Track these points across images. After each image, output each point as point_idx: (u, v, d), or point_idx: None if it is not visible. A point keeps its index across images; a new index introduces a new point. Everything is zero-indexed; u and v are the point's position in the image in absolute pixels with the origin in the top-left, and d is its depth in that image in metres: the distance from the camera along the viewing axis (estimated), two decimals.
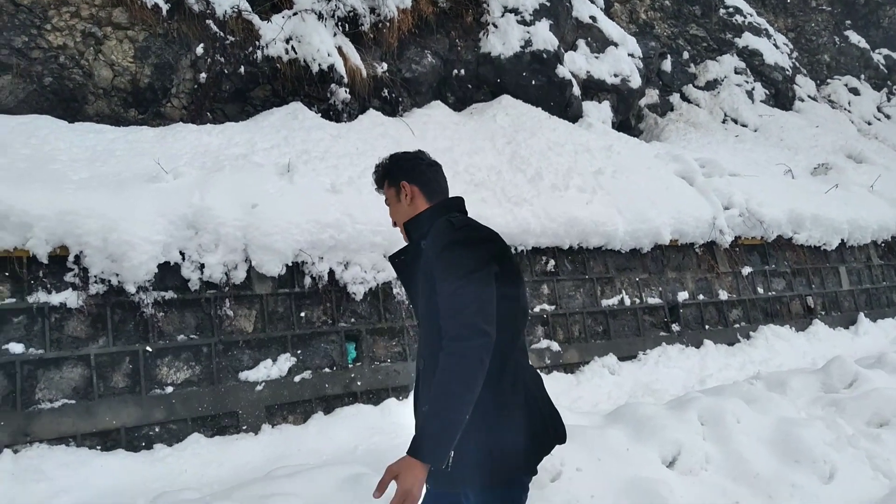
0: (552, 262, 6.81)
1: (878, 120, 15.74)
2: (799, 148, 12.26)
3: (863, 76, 17.19)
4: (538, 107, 8.75)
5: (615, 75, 10.16)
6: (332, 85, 7.06)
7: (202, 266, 4.91)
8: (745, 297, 8.34)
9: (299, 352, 5.25)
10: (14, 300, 4.29)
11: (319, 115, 6.91)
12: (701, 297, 7.93)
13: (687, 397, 4.74)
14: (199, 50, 6.45)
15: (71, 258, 4.47)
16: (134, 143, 5.52)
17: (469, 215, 2.21)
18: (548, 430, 2.06)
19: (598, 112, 9.77)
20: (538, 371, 2.22)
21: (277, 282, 5.27)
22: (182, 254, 4.86)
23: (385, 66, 7.80)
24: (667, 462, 3.88)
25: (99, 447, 4.32)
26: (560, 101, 9.12)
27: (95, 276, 4.52)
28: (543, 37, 8.93)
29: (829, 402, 4.98)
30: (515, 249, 6.52)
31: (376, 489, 1.76)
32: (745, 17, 14.58)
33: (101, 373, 4.47)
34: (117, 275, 4.55)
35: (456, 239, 1.98)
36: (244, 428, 4.85)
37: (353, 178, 5.91)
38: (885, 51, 18.36)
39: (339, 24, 7.43)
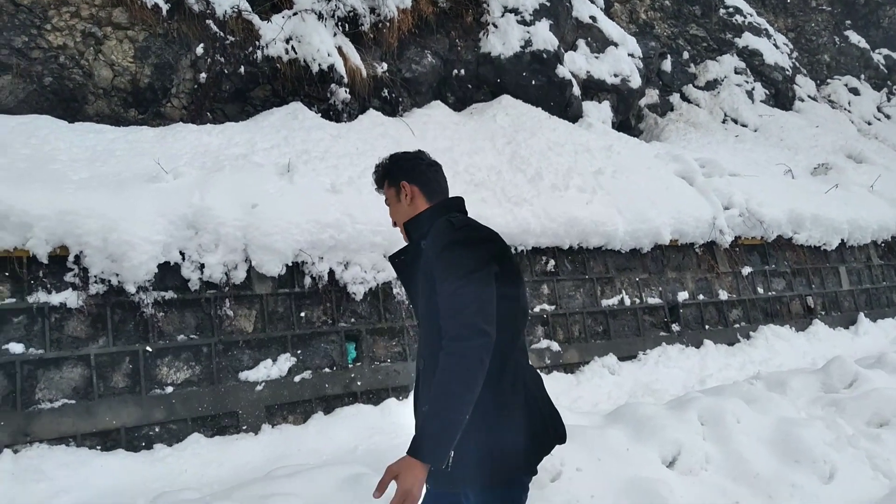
0: (552, 262, 6.81)
1: (878, 120, 15.74)
2: (799, 148, 12.26)
3: (863, 76, 17.19)
4: (538, 107, 8.75)
5: (615, 75, 10.16)
6: (332, 85, 7.06)
7: (202, 266, 4.91)
8: (745, 297, 8.34)
9: (299, 352, 5.25)
10: (14, 300, 4.29)
11: (319, 115, 6.91)
12: (701, 297, 7.94)
13: (687, 397, 4.74)
14: (199, 50, 6.45)
15: (71, 258, 4.47)
16: (134, 143, 5.52)
17: (469, 215, 2.21)
18: (548, 429, 2.06)
19: (598, 112, 9.77)
20: (538, 371, 2.22)
21: (277, 282, 5.27)
22: (182, 254, 4.86)
23: (385, 66, 7.80)
24: (667, 462, 3.88)
25: (99, 447, 4.32)
26: (560, 101, 9.12)
27: (95, 276, 4.52)
28: (543, 37, 8.93)
29: (829, 402, 4.98)
30: (515, 249, 6.52)
31: (376, 489, 1.76)
32: (745, 17, 14.58)
33: (101, 373, 4.47)
34: (117, 275, 4.55)
35: (456, 239, 1.98)
36: (244, 428, 4.85)
37: (353, 178, 5.91)
38: (885, 51, 18.36)
39: (339, 24, 7.43)
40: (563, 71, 9.10)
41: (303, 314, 5.34)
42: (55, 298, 4.39)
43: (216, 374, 4.87)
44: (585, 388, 6.25)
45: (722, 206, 8.34)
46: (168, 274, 4.82)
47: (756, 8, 15.63)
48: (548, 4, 9.35)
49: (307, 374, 5.20)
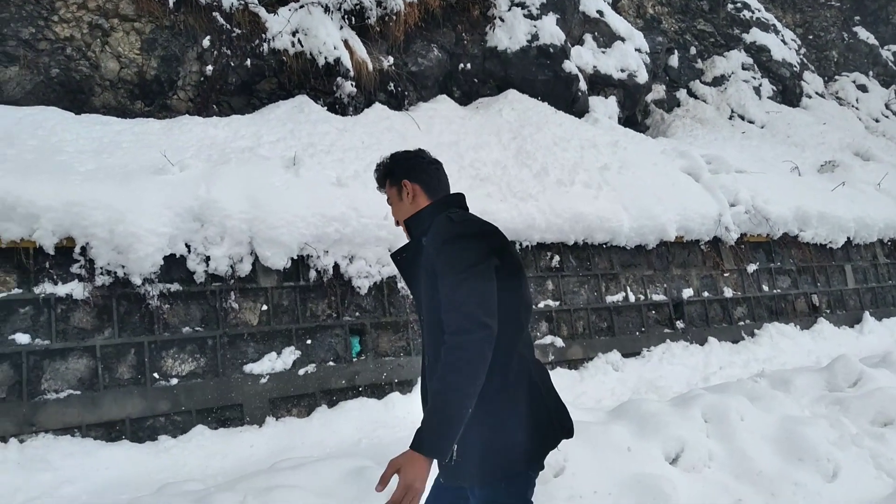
0: (557, 257, 6.81)
1: (886, 117, 15.64)
2: (806, 145, 12.20)
3: (871, 73, 17.08)
4: (544, 101, 8.73)
5: (622, 70, 10.12)
6: (339, 78, 7.05)
7: (208, 258, 4.92)
8: (749, 295, 8.32)
9: (304, 345, 5.26)
10: (21, 291, 4.31)
11: (325, 108, 6.91)
12: (706, 294, 7.92)
13: (691, 394, 4.74)
14: (206, 42, 6.45)
15: (77, 249, 4.48)
16: (140, 135, 5.53)
17: (472, 211, 2.21)
18: (553, 423, 2.06)
19: (605, 107, 9.73)
20: (545, 365, 2.22)
21: (282, 275, 5.28)
22: (188, 246, 4.87)
23: (391, 59, 7.78)
24: (670, 459, 3.88)
25: (104, 438, 4.34)
26: (566, 95, 9.09)
27: (101, 268, 4.53)
28: (550, 31, 8.89)
29: (834, 401, 4.97)
30: (520, 245, 6.51)
31: (379, 483, 1.76)
32: (753, 12, 14.49)
33: (106, 364, 4.49)
34: (123, 266, 4.57)
35: (455, 233, 1.98)
36: (248, 420, 4.87)
37: (359, 171, 5.91)
38: (893, 47, 18.23)
39: (346, 17, 7.41)
40: (569, 65, 9.07)
41: (308, 307, 5.35)
42: (61, 290, 4.40)
43: (221, 366, 4.89)
44: (589, 384, 6.25)
45: (728, 203, 8.31)
46: (174, 266, 4.83)
47: (764, 3, 15.54)
48: None
49: (311, 368, 5.22)
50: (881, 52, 17.76)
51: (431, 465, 1.80)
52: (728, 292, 8.10)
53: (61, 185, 4.49)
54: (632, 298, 7.26)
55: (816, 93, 14.83)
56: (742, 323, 8.10)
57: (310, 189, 5.49)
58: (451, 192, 2.30)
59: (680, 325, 7.54)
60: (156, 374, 4.65)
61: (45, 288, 4.37)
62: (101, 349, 4.49)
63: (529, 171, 7.17)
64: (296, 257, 5.28)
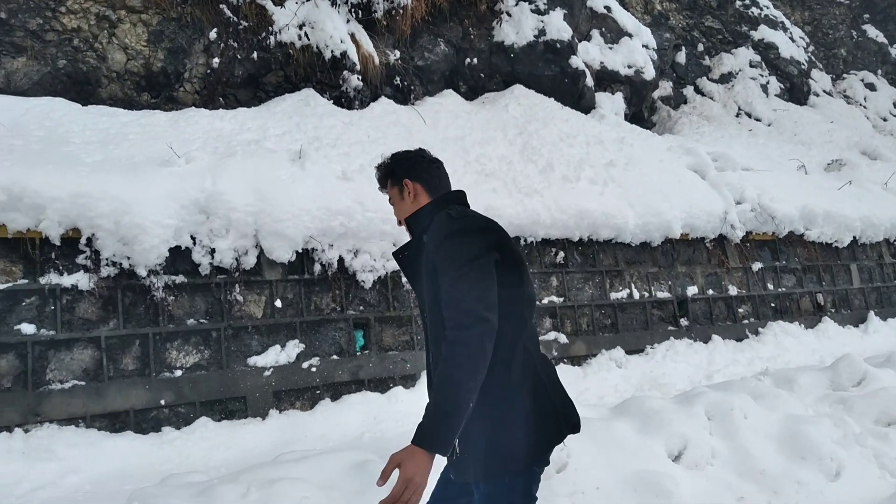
0: (562, 253, 6.80)
1: (894, 116, 15.56)
2: (813, 143, 12.15)
3: (879, 71, 16.99)
4: (551, 97, 8.70)
5: (629, 66, 10.08)
6: (345, 72, 7.04)
7: (213, 251, 4.93)
8: (754, 293, 8.30)
9: (308, 338, 5.27)
10: (26, 281, 4.33)
11: (331, 101, 6.91)
12: (710, 291, 7.90)
13: (694, 392, 4.73)
14: (213, 35, 6.45)
15: (83, 240, 4.50)
16: (147, 126, 5.54)
17: (476, 206, 2.21)
18: (558, 418, 2.05)
19: (611, 103, 9.70)
20: (551, 360, 2.21)
21: (287, 268, 5.28)
22: (193, 238, 4.88)
23: (398, 53, 7.77)
24: (673, 456, 3.88)
25: (108, 429, 4.36)
26: (573, 91, 9.07)
27: (107, 259, 4.55)
28: (557, 26, 8.86)
29: (838, 400, 4.95)
30: (525, 240, 6.50)
31: (380, 477, 1.77)
32: (761, 9, 14.42)
33: (111, 355, 4.50)
34: (129, 258, 4.58)
35: (455, 229, 1.99)
36: (252, 413, 4.88)
37: (365, 165, 5.91)
38: None
39: (353, 10, 7.40)
40: (576, 61, 9.04)
41: (312, 301, 5.36)
42: (67, 280, 4.42)
43: (225, 358, 4.90)
44: (592, 380, 6.25)
45: (734, 201, 8.28)
46: (179, 258, 4.84)
47: (773, 0, 15.45)
48: None
49: (315, 361, 5.23)
50: (890, 50, 17.65)
51: (433, 460, 1.80)
52: (733, 290, 8.09)
53: (68, 175, 4.50)
54: (636, 295, 7.25)
55: (824, 91, 14.76)
56: (746, 321, 8.08)
57: (315, 182, 5.49)
58: (453, 189, 2.31)
59: (684, 322, 7.53)
60: (160, 366, 4.67)
61: (51, 278, 4.38)
62: (106, 340, 4.50)
63: (535, 166, 7.15)
64: (301, 251, 5.28)
